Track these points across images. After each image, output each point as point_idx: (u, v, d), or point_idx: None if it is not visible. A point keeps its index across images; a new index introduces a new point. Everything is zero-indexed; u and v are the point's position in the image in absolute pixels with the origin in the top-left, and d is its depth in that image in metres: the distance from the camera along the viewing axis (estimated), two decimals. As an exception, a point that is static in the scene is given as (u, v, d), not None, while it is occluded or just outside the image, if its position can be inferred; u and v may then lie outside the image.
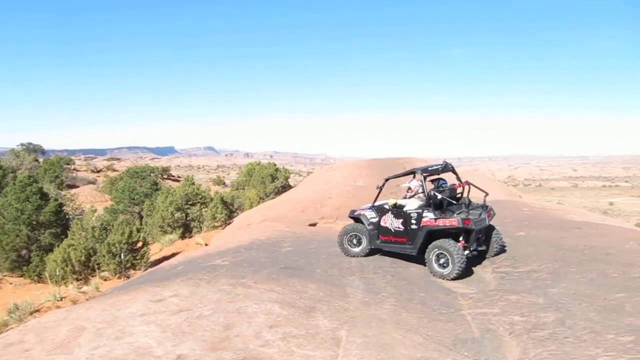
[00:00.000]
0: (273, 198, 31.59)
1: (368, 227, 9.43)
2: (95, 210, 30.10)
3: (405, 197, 9.36)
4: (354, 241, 9.74)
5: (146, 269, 19.78)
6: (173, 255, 21.77)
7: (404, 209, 8.97)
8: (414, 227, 8.70)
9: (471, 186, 9.39)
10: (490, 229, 9.22)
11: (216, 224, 27.24)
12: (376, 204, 9.60)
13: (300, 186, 29.84)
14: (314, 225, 16.90)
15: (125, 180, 34.21)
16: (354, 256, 9.61)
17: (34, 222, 23.01)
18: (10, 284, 20.87)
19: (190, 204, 28.21)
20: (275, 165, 45.58)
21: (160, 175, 41.91)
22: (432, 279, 8.23)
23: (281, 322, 5.87)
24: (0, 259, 21.65)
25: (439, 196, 8.90)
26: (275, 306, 6.41)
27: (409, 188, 9.26)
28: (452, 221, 8.23)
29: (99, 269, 20.39)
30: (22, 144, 66.71)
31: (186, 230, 27.80)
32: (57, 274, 19.11)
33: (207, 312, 6.35)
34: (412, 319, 6.09)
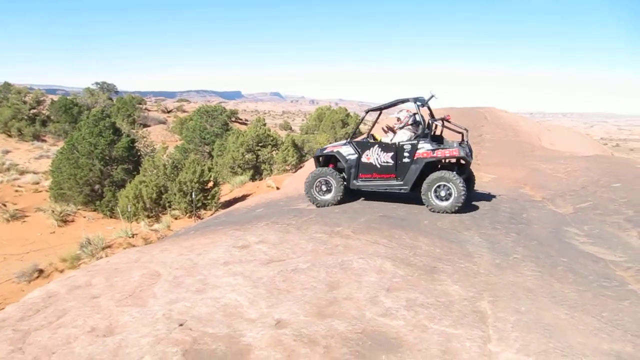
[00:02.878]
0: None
1: (345, 165, 8.39)
2: (167, 148, 29.86)
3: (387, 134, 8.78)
4: (323, 188, 8.55)
5: (216, 210, 19.19)
6: (244, 197, 21.09)
7: (393, 140, 8.23)
8: (406, 160, 7.98)
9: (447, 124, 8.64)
10: (469, 170, 8.76)
11: (287, 167, 26.30)
12: (355, 140, 8.71)
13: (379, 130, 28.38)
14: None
15: (196, 120, 33.77)
16: (325, 205, 8.47)
17: (107, 157, 22.82)
18: (84, 217, 20.88)
19: (261, 146, 27.35)
20: (346, 110, 43.93)
21: (229, 118, 41.35)
22: (565, 240, 6.75)
23: (400, 285, 4.63)
24: (75, 192, 21.65)
25: (438, 124, 8.45)
26: (386, 263, 5.18)
27: (398, 119, 8.58)
28: (453, 151, 7.78)
29: (169, 207, 19.99)
30: (96, 83, 68.09)
31: (256, 173, 27.07)
32: (129, 210, 18.82)
33: (303, 264, 5.21)
34: (569, 291, 4.69)
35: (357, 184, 8.38)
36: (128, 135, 25.59)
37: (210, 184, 20.71)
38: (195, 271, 5.24)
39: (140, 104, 61.90)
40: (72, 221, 20.35)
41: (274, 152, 27.62)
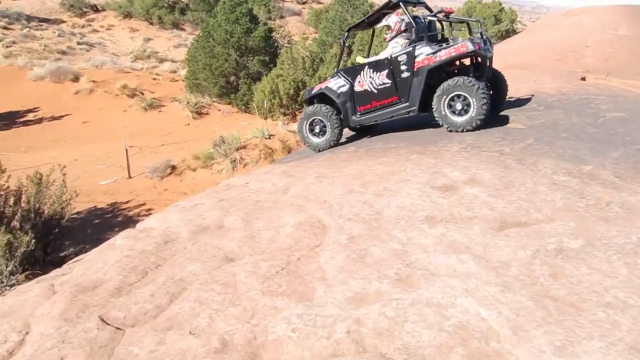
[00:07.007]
0: (496, 42, 26.24)
1: (339, 102, 6.80)
2: (307, 39, 27.81)
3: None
4: (316, 129, 6.98)
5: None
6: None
7: (387, 54, 6.46)
8: (405, 75, 6.27)
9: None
10: (493, 70, 6.74)
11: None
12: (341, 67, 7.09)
13: (536, 30, 24.04)
14: (583, 79, 12.43)
15: (335, 9, 31.14)
16: (316, 149, 6.96)
17: (243, 47, 21.41)
18: (218, 110, 20.11)
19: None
20: (500, 4, 38.58)
21: (371, 7, 38.12)
22: None
23: None
24: (210, 83, 20.74)
25: (435, 18, 6.68)
26: None
27: (388, 27, 6.77)
28: (460, 47, 5.89)
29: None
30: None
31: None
32: (265, 106, 17.46)
33: (569, 240, 3.01)
34: None
35: (357, 119, 6.80)
36: (265, 24, 23.88)
37: (353, 82, 18.70)
38: (382, 230, 3.28)
39: (273, -7, 60.06)
40: (207, 114, 19.67)
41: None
